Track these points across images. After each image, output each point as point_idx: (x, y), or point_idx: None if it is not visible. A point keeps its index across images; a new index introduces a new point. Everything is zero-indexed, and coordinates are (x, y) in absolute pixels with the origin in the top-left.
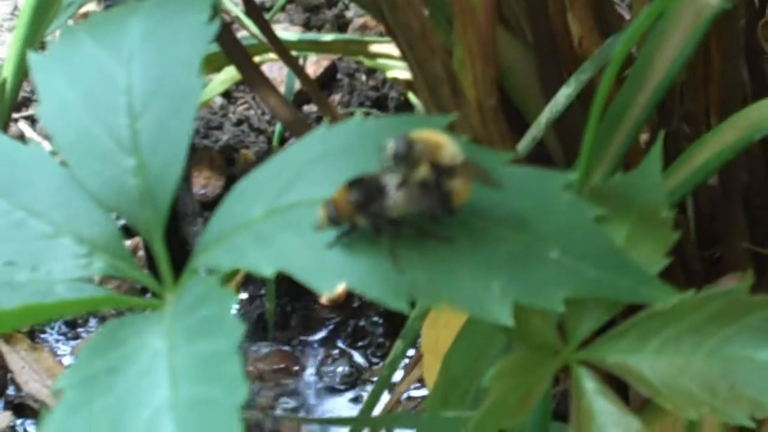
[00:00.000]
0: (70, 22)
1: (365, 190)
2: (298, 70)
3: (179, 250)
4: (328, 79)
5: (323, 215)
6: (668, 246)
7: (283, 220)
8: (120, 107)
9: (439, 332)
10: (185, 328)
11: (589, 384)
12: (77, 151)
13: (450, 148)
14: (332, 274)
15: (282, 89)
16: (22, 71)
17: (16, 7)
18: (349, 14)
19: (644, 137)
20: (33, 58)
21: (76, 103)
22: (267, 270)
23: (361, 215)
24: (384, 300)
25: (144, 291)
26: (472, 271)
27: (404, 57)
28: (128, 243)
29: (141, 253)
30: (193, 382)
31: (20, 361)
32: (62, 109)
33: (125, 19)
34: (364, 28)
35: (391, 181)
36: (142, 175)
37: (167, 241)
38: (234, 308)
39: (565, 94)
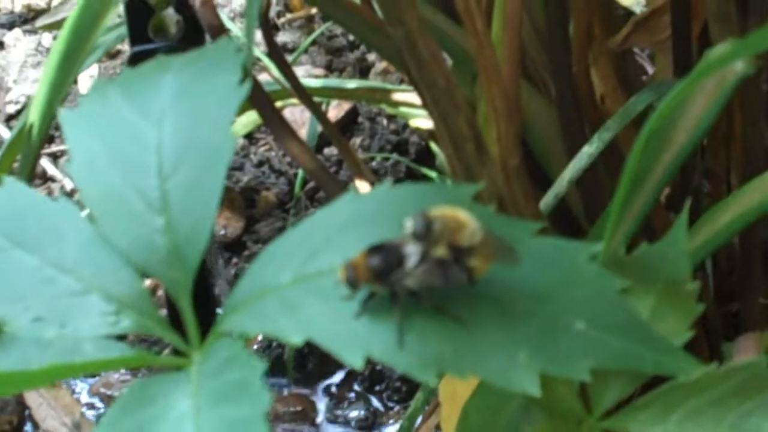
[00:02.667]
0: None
1: (385, 258)
2: (320, 116)
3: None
4: (348, 123)
5: (342, 277)
6: (693, 318)
7: (310, 288)
8: (150, 167)
9: (457, 382)
10: (212, 391)
11: None
12: (106, 208)
13: (469, 227)
14: (359, 346)
15: (303, 132)
16: (49, 116)
17: (39, 43)
18: (371, 57)
19: (664, 191)
20: (63, 114)
21: (106, 159)
22: (295, 338)
23: (379, 282)
24: (411, 372)
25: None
26: (498, 343)
27: (429, 111)
28: (147, 283)
29: (160, 292)
30: None
31: (38, 398)
32: (91, 164)
33: (156, 76)
34: (385, 72)
35: (411, 252)
36: (170, 235)
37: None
38: (261, 373)
39: (588, 152)
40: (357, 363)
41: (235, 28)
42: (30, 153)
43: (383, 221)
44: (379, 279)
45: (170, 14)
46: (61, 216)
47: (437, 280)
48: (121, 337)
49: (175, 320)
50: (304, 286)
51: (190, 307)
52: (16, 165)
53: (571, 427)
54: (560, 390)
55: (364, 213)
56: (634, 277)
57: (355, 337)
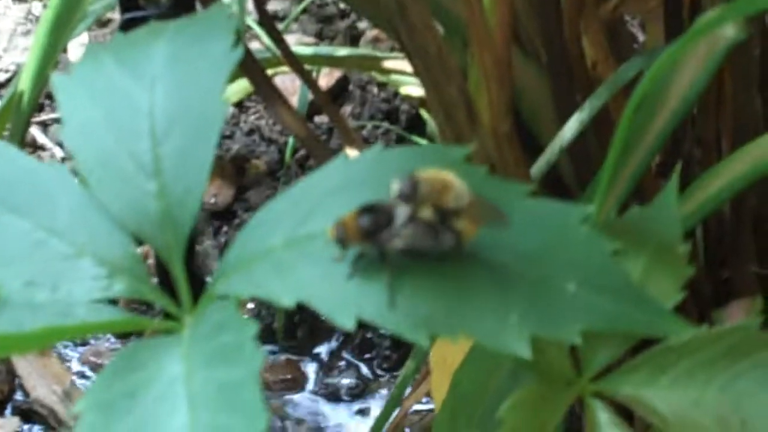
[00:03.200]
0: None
1: (374, 218)
2: (310, 84)
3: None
4: (339, 91)
5: (332, 235)
6: (683, 280)
7: (301, 251)
8: (142, 131)
9: (448, 350)
10: (204, 354)
11: (603, 416)
12: (99, 172)
13: (456, 189)
14: (351, 308)
15: (294, 100)
16: (40, 83)
17: (29, 12)
18: (361, 26)
19: (654, 159)
20: (56, 78)
21: (99, 125)
22: (287, 301)
23: (368, 242)
24: (403, 333)
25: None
26: (489, 305)
27: (420, 79)
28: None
29: (150, 261)
30: (212, 409)
31: (28, 367)
32: (85, 130)
33: (149, 43)
34: (376, 40)
35: (400, 213)
36: (163, 199)
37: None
38: (254, 335)
39: (579, 119)
40: (348, 324)
41: None
42: (20, 120)
43: (374, 184)
44: (369, 238)
45: None
46: (53, 180)
47: (424, 242)
48: (112, 303)
49: (165, 288)
50: (296, 249)
51: (182, 271)
52: (6, 134)
53: (561, 389)
54: (550, 352)
55: (354, 177)
56: (624, 239)
57: (346, 299)
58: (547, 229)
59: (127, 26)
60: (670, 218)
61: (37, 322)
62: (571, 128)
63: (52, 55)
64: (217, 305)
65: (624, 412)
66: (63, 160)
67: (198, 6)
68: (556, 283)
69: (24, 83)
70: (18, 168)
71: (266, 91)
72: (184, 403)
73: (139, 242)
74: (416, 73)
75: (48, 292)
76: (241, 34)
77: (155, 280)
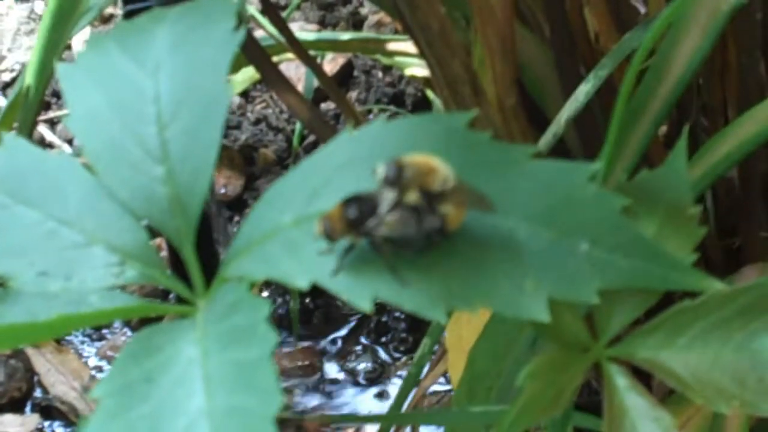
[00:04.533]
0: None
1: (359, 208)
2: (316, 69)
3: (207, 250)
4: (344, 77)
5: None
6: (695, 242)
7: (311, 229)
8: (148, 116)
9: (463, 329)
10: (218, 335)
11: (621, 380)
12: (106, 159)
13: (441, 173)
14: (366, 288)
15: (299, 87)
16: (45, 77)
17: (32, 11)
18: (363, 11)
19: (662, 129)
20: (61, 67)
21: (105, 112)
22: (301, 282)
23: (355, 233)
24: (420, 311)
25: (166, 293)
26: (504, 272)
27: (423, 56)
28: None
29: (164, 253)
30: (228, 391)
31: (46, 364)
32: (91, 117)
33: (151, 28)
34: (379, 24)
35: (385, 199)
36: (171, 183)
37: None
38: (267, 314)
39: (584, 90)
40: (365, 306)
41: None
42: (28, 114)
43: (380, 158)
44: (355, 228)
45: None
46: (62, 170)
47: (411, 227)
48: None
49: (179, 274)
50: (306, 227)
51: (193, 255)
52: (13, 131)
53: (577, 355)
54: (566, 319)
55: (361, 151)
56: (635, 203)
57: (361, 280)
58: (555, 189)
59: (129, 17)
60: (680, 180)
61: (51, 311)
62: (576, 100)
63: (55, 48)
64: (229, 286)
65: (642, 378)
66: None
67: None
68: (568, 244)
69: (29, 77)
70: (27, 159)
71: (273, 78)
72: (200, 386)
73: (153, 235)
74: (420, 52)
75: (61, 281)
76: (243, 16)
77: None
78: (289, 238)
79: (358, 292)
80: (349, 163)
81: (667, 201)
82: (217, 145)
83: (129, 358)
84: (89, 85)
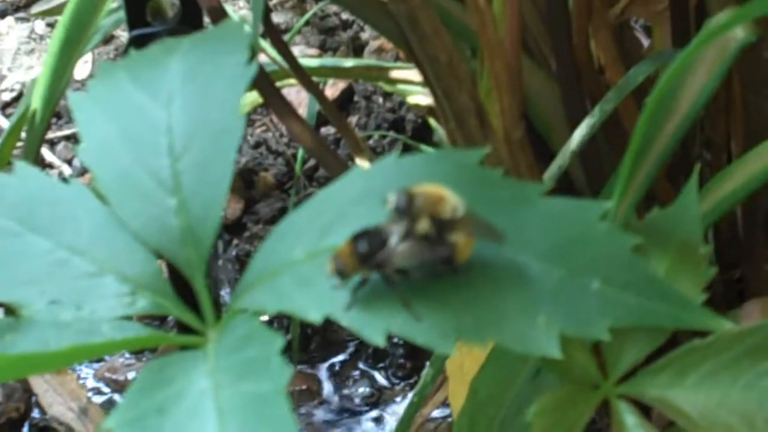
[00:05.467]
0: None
1: (369, 242)
2: (318, 95)
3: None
4: (344, 102)
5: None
6: (706, 281)
7: (324, 263)
8: (161, 148)
9: (464, 357)
10: (231, 368)
11: (630, 418)
12: (118, 190)
13: (451, 201)
14: (379, 323)
15: (301, 112)
16: (51, 102)
17: (32, 30)
18: (364, 36)
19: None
20: (73, 97)
21: (117, 142)
22: (314, 316)
23: (367, 268)
24: (432, 345)
25: (162, 319)
26: (516, 308)
27: (430, 87)
28: None
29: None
30: (242, 423)
31: (44, 384)
32: (103, 148)
33: (163, 59)
34: (380, 50)
35: (395, 230)
36: (183, 215)
37: None
38: (280, 348)
39: (589, 124)
40: (379, 340)
41: (230, 10)
42: (34, 139)
43: None
44: (367, 263)
45: None
46: (73, 199)
47: (422, 258)
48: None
49: (185, 299)
50: (319, 261)
51: (204, 286)
52: (16, 152)
53: (587, 392)
54: (576, 355)
55: (373, 186)
56: (647, 241)
57: (374, 314)
58: (566, 226)
59: (134, 43)
60: (691, 219)
61: (63, 340)
62: (581, 133)
63: (63, 72)
64: (242, 319)
65: (642, 409)
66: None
67: (206, 21)
68: (581, 281)
69: (36, 101)
70: (38, 187)
71: (276, 104)
72: (213, 418)
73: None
74: (426, 82)
75: (72, 310)
76: (255, 50)
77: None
78: (301, 272)
79: (372, 327)
80: (361, 198)
81: (678, 239)
82: (229, 177)
83: (141, 388)
84: (102, 116)
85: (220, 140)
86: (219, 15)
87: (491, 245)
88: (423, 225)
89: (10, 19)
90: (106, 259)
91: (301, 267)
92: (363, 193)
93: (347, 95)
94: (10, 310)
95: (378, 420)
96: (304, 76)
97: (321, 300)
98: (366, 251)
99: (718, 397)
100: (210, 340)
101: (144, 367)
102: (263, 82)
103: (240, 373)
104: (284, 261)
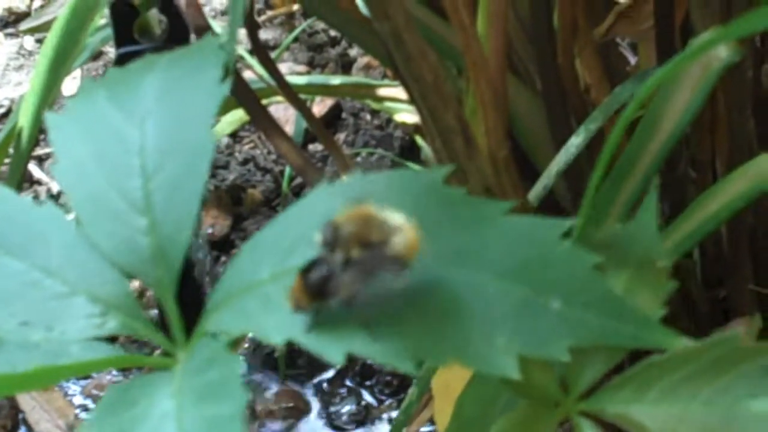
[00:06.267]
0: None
1: (317, 277)
2: (305, 112)
3: (192, 294)
4: (332, 119)
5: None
6: (665, 295)
7: (288, 284)
8: (133, 169)
9: (450, 375)
10: (193, 390)
11: None
12: (90, 210)
13: (376, 220)
14: (338, 344)
15: (288, 129)
16: (39, 119)
17: (21, 46)
18: (353, 53)
19: None
20: (49, 117)
21: (90, 162)
22: (276, 338)
23: (321, 298)
24: (391, 363)
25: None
26: (475, 327)
27: (416, 106)
28: (135, 285)
29: (150, 293)
30: None
31: (31, 402)
32: (76, 168)
33: (140, 77)
34: (368, 67)
35: (335, 263)
36: (154, 234)
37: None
38: (241, 372)
39: (574, 143)
40: (338, 360)
41: (217, 27)
42: (20, 157)
43: None
44: (319, 296)
45: (155, 15)
46: (46, 220)
47: (367, 279)
48: (112, 339)
49: (165, 320)
50: (283, 282)
51: (174, 306)
52: (3, 168)
53: (548, 410)
54: (536, 374)
55: (336, 206)
56: (605, 256)
57: (334, 336)
58: (528, 245)
59: (121, 61)
60: (650, 234)
61: (32, 362)
62: (567, 152)
63: (50, 90)
64: (206, 341)
65: (604, 426)
66: (59, 194)
67: (194, 38)
68: (540, 301)
69: (23, 120)
70: (11, 209)
71: (262, 121)
72: None
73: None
74: (412, 101)
75: (42, 331)
76: (231, 66)
77: (156, 311)
78: (265, 293)
79: (331, 348)
80: (324, 217)
81: (637, 255)
82: (200, 195)
83: (105, 409)
84: (76, 136)
85: (191, 158)
86: (205, 32)
87: (453, 265)
88: (355, 252)
89: None
90: (77, 280)
91: (265, 287)
92: (326, 213)
93: (335, 112)
94: None
95: None
96: (291, 93)
97: (283, 322)
98: (315, 285)
99: (679, 412)
100: (179, 361)
101: (110, 387)
102: (249, 99)
103: (201, 396)
104: (250, 281)
